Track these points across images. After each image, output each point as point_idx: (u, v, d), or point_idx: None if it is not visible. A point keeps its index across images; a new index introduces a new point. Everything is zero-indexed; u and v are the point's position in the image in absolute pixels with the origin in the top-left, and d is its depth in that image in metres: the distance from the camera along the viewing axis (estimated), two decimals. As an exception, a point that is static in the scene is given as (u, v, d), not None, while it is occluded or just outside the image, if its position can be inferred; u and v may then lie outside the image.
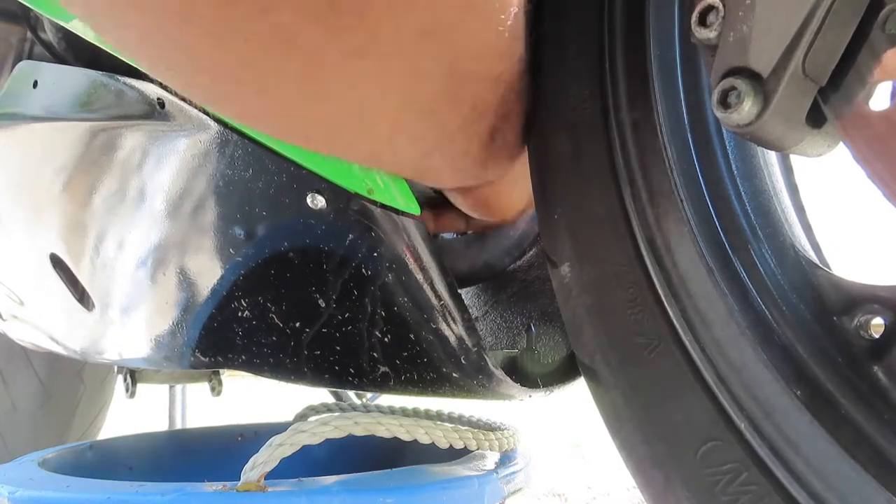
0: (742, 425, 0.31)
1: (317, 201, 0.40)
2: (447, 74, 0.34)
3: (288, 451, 0.43)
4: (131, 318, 0.53)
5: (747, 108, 0.27)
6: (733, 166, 0.36)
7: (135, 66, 0.42)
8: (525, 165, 0.45)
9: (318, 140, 0.38)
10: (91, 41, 0.46)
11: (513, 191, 0.48)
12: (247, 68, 0.32)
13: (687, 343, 0.33)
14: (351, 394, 0.89)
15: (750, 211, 0.35)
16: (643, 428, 0.35)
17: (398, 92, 0.34)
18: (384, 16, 0.30)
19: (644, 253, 0.35)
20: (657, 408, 0.34)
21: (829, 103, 0.27)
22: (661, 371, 0.34)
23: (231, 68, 0.32)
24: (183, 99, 0.43)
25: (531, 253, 0.63)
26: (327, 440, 0.45)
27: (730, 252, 0.33)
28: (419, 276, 0.41)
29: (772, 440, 0.30)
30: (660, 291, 0.34)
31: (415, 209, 0.40)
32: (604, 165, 0.37)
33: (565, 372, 0.50)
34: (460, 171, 0.42)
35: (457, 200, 0.49)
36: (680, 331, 0.34)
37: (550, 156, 0.40)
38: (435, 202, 0.52)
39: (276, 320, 0.44)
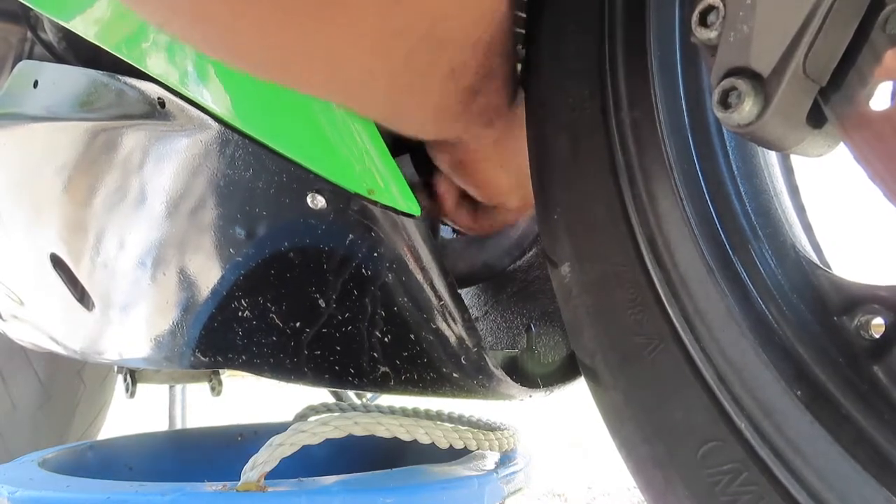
0: (742, 425, 0.31)
1: (317, 201, 0.40)
2: (421, 36, 0.35)
3: (288, 451, 0.43)
4: (131, 318, 0.53)
5: (748, 108, 0.27)
6: (734, 166, 0.36)
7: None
8: (513, 139, 0.45)
9: (290, 76, 0.39)
10: (89, 39, 0.47)
11: (498, 163, 0.47)
12: (224, 9, 0.33)
13: (687, 343, 0.33)
14: (351, 394, 0.89)
15: (750, 211, 0.35)
16: (643, 428, 0.35)
17: (368, 43, 0.35)
18: None
19: (644, 253, 0.35)
20: (657, 408, 0.34)
21: (830, 103, 0.27)
22: (662, 371, 0.34)
23: (210, 10, 0.33)
24: (184, 98, 0.43)
25: (531, 253, 0.63)
26: (327, 440, 0.45)
27: (730, 252, 0.33)
28: (419, 276, 0.41)
29: (772, 440, 0.30)
30: (660, 291, 0.34)
31: (415, 209, 0.40)
32: (604, 165, 0.37)
33: (565, 372, 0.51)
34: (434, 122, 0.42)
35: (436, 157, 0.49)
36: (680, 331, 0.34)
37: (550, 155, 0.40)
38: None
39: (277, 320, 0.44)
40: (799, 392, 0.30)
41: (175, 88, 0.43)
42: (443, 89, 0.39)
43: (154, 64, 0.44)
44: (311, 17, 0.33)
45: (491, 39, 0.38)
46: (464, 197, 0.52)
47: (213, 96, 0.42)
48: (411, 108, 0.40)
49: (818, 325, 0.31)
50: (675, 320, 0.34)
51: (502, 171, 0.48)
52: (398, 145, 0.45)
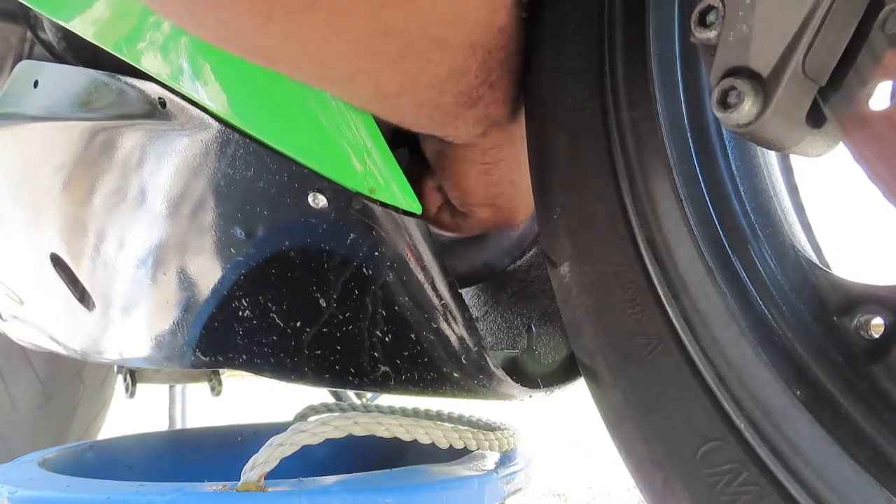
0: (742, 425, 0.31)
1: (318, 200, 0.40)
2: (413, 36, 0.35)
3: (288, 451, 0.43)
4: (132, 318, 0.53)
5: (747, 107, 0.27)
6: (733, 166, 0.36)
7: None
8: (504, 153, 0.44)
9: (282, 67, 0.39)
10: (88, 39, 0.47)
11: (481, 171, 0.47)
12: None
13: (687, 343, 0.33)
14: (351, 394, 0.89)
15: (750, 210, 0.35)
16: (643, 428, 0.35)
17: (356, 44, 0.35)
18: None
19: (644, 253, 0.35)
20: (657, 408, 0.34)
21: (829, 103, 0.27)
22: (661, 371, 0.34)
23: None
24: (184, 98, 0.43)
25: (531, 253, 0.63)
26: (327, 440, 0.45)
27: (730, 252, 0.33)
28: (420, 276, 0.41)
29: (772, 440, 0.30)
30: (659, 291, 0.34)
31: (416, 208, 0.40)
32: (603, 165, 0.37)
33: (565, 372, 0.50)
34: (428, 119, 0.42)
35: (423, 141, 0.48)
36: (680, 331, 0.34)
37: (550, 155, 0.40)
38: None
39: (277, 320, 0.44)
40: (798, 392, 0.30)
41: (173, 87, 0.43)
42: (440, 89, 0.39)
43: (152, 63, 0.44)
44: (289, 21, 0.33)
45: (492, 47, 0.38)
46: (446, 201, 0.52)
47: (210, 94, 0.42)
48: (404, 104, 0.40)
49: (818, 324, 0.31)
50: (674, 320, 0.34)
51: (482, 179, 0.47)
52: (396, 139, 0.45)
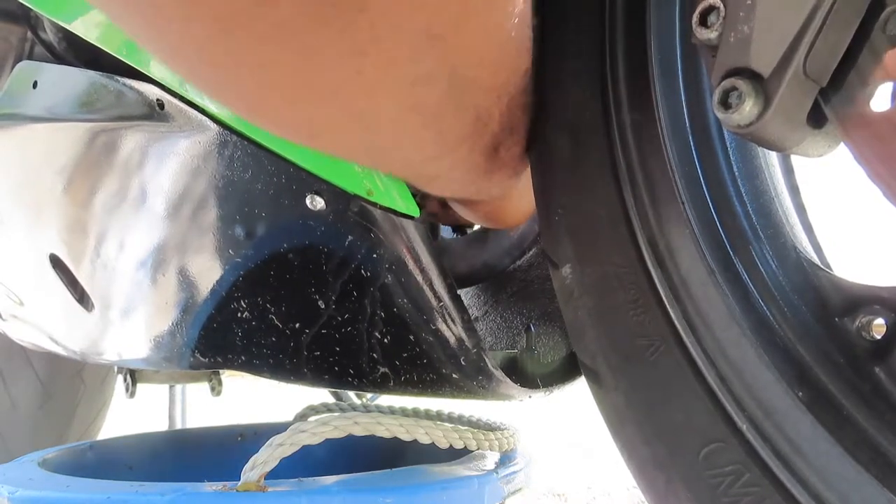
0: (744, 427, 0.31)
1: (316, 202, 0.40)
2: (449, 80, 0.34)
3: (288, 451, 0.43)
4: (131, 319, 0.53)
5: (748, 108, 0.27)
6: (734, 167, 0.36)
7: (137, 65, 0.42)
8: (526, 180, 0.45)
9: (320, 139, 0.38)
10: (91, 42, 0.46)
11: (519, 203, 0.49)
12: (246, 61, 0.32)
13: (688, 344, 0.33)
14: (351, 394, 0.89)
15: (751, 212, 0.35)
16: (645, 429, 0.35)
17: (400, 95, 0.34)
18: (384, 14, 0.30)
19: (645, 254, 0.35)
20: (659, 409, 0.34)
21: (830, 104, 0.27)
22: (663, 372, 0.34)
23: (231, 60, 0.32)
24: (183, 100, 0.43)
25: (531, 253, 0.63)
26: (327, 440, 0.45)
27: (731, 253, 0.33)
28: (418, 278, 0.41)
29: (774, 441, 0.30)
30: (661, 293, 0.34)
31: (414, 211, 0.40)
32: (605, 166, 0.37)
33: (565, 372, 0.50)
34: (463, 181, 0.42)
35: (463, 211, 0.49)
36: (681, 332, 0.33)
37: (551, 157, 0.40)
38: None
39: (276, 321, 0.44)
40: (800, 393, 0.30)
41: (174, 90, 0.43)
42: (471, 141, 0.38)
43: (155, 66, 0.44)
44: (339, 71, 0.31)
45: (514, 89, 0.38)
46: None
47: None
48: (440, 166, 0.40)
49: (819, 326, 0.31)
50: (676, 322, 0.34)
51: (522, 207, 0.49)
52: None
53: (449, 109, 0.36)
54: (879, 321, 0.30)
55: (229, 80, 0.34)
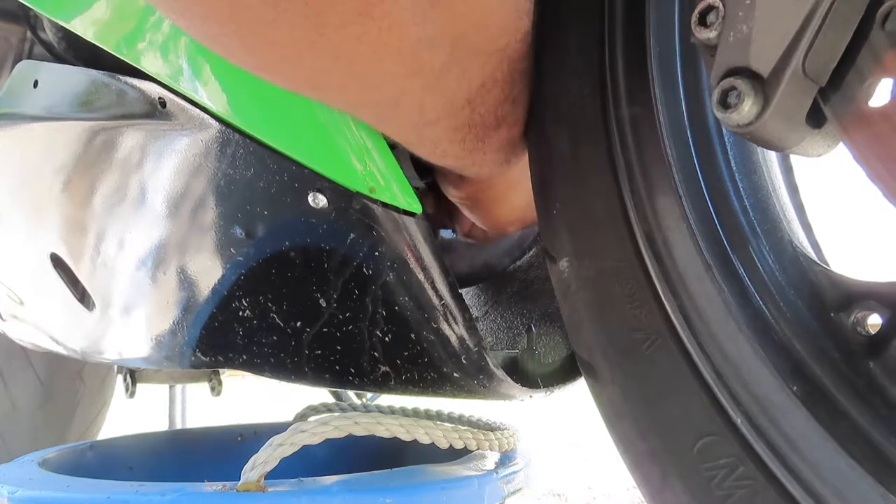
0: (739, 420, 0.31)
1: (318, 200, 0.40)
2: (452, 43, 0.34)
3: (288, 451, 0.43)
4: (132, 318, 0.53)
5: (747, 108, 0.27)
6: (732, 163, 0.36)
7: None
8: (520, 169, 0.45)
9: (324, 94, 0.38)
10: (89, 39, 0.47)
11: (509, 199, 0.48)
12: (251, 19, 0.32)
13: (685, 339, 0.33)
14: (351, 394, 0.89)
15: (749, 207, 0.35)
16: (640, 423, 0.35)
17: (403, 59, 0.34)
18: None
19: (643, 249, 0.35)
20: (655, 403, 0.34)
21: (830, 103, 0.27)
22: (659, 366, 0.34)
23: (239, 17, 0.32)
24: (184, 98, 0.43)
25: (531, 253, 0.63)
26: (327, 440, 0.45)
27: (728, 248, 0.34)
28: (420, 276, 0.41)
29: (768, 435, 0.30)
30: (658, 287, 0.34)
31: (416, 208, 0.40)
32: (603, 161, 0.37)
33: (566, 372, 0.51)
34: (459, 146, 0.42)
35: (449, 191, 0.49)
36: (678, 326, 0.34)
37: (550, 151, 0.40)
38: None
39: (277, 320, 0.44)
40: (795, 388, 0.30)
41: (173, 87, 0.43)
42: (473, 108, 0.39)
43: (152, 63, 0.44)
44: (341, 33, 0.32)
45: (515, 54, 0.38)
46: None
47: (209, 94, 0.42)
48: (441, 130, 0.40)
49: (815, 321, 0.31)
50: (672, 316, 0.34)
51: (511, 207, 0.49)
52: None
53: (452, 73, 0.36)
54: (875, 317, 0.30)
55: (237, 36, 0.34)
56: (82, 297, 0.57)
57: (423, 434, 0.48)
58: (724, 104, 0.28)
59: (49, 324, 0.64)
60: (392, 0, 0.31)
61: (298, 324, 0.44)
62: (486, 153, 0.43)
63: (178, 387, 1.08)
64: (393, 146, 0.41)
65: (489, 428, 0.57)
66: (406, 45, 0.34)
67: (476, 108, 0.39)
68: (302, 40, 0.33)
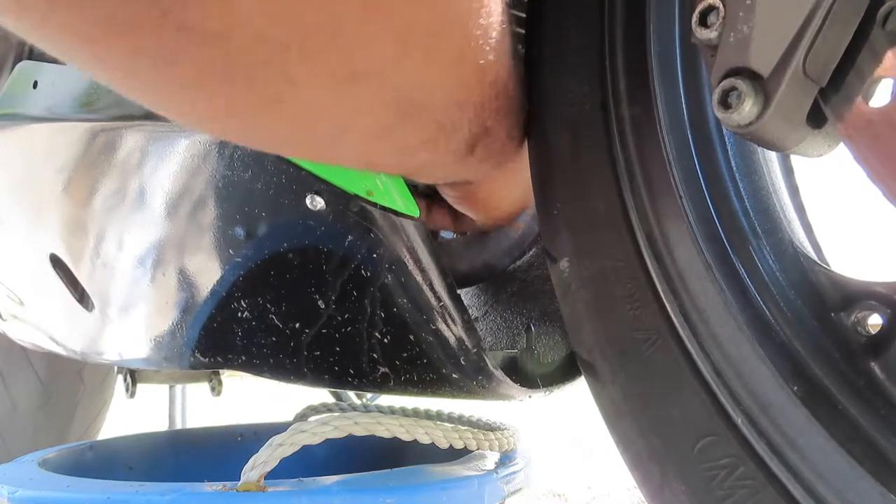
0: (739, 420, 0.31)
1: (316, 202, 0.40)
2: (394, 107, 0.33)
3: (288, 451, 0.43)
4: (131, 319, 0.53)
5: (748, 108, 0.27)
6: (733, 163, 0.36)
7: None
8: (515, 168, 0.44)
9: (288, 150, 0.38)
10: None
11: (506, 196, 0.48)
12: (199, 94, 0.30)
13: (685, 338, 0.33)
14: (351, 394, 0.89)
15: (749, 208, 0.35)
16: (640, 422, 0.35)
17: (338, 122, 0.33)
18: (297, 63, 0.28)
19: (643, 249, 0.35)
20: (655, 403, 0.34)
21: (830, 103, 0.27)
22: (659, 366, 0.34)
23: (155, 80, 0.30)
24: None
25: (531, 253, 0.63)
26: (327, 440, 0.45)
27: (728, 249, 0.34)
28: (418, 278, 0.41)
29: (768, 435, 0.30)
30: (658, 287, 0.34)
31: (414, 211, 0.40)
32: (603, 161, 0.37)
33: (565, 372, 0.50)
34: (431, 174, 0.42)
35: (443, 190, 0.49)
36: (678, 326, 0.34)
37: (550, 151, 0.40)
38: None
39: (276, 321, 0.44)
40: (795, 388, 0.30)
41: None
42: (433, 145, 0.37)
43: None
44: (269, 110, 0.31)
45: (481, 98, 0.36)
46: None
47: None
48: (411, 161, 0.39)
49: (815, 321, 0.31)
50: (673, 316, 0.34)
51: (508, 201, 0.49)
52: None
53: (400, 128, 0.35)
54: (875, 317, 0.30)
55: (164, 97, 0.33)
56: (82, 297, 0.57)
57: (423, 434, 0.48)
58: (725, 104, 0.28)
59: (49, 324, 0.64)
60: (308, 80, 0.30)
61: (297, 325, 0.44)
62: (464, 173, 0.42)
63: (178, 387, 1.08)
64: None
65: (489, 428, 0.57)
66: (334, 114, 0.33)
67: (436, 148, 0.37)
68: (228, 113, 0.31)
